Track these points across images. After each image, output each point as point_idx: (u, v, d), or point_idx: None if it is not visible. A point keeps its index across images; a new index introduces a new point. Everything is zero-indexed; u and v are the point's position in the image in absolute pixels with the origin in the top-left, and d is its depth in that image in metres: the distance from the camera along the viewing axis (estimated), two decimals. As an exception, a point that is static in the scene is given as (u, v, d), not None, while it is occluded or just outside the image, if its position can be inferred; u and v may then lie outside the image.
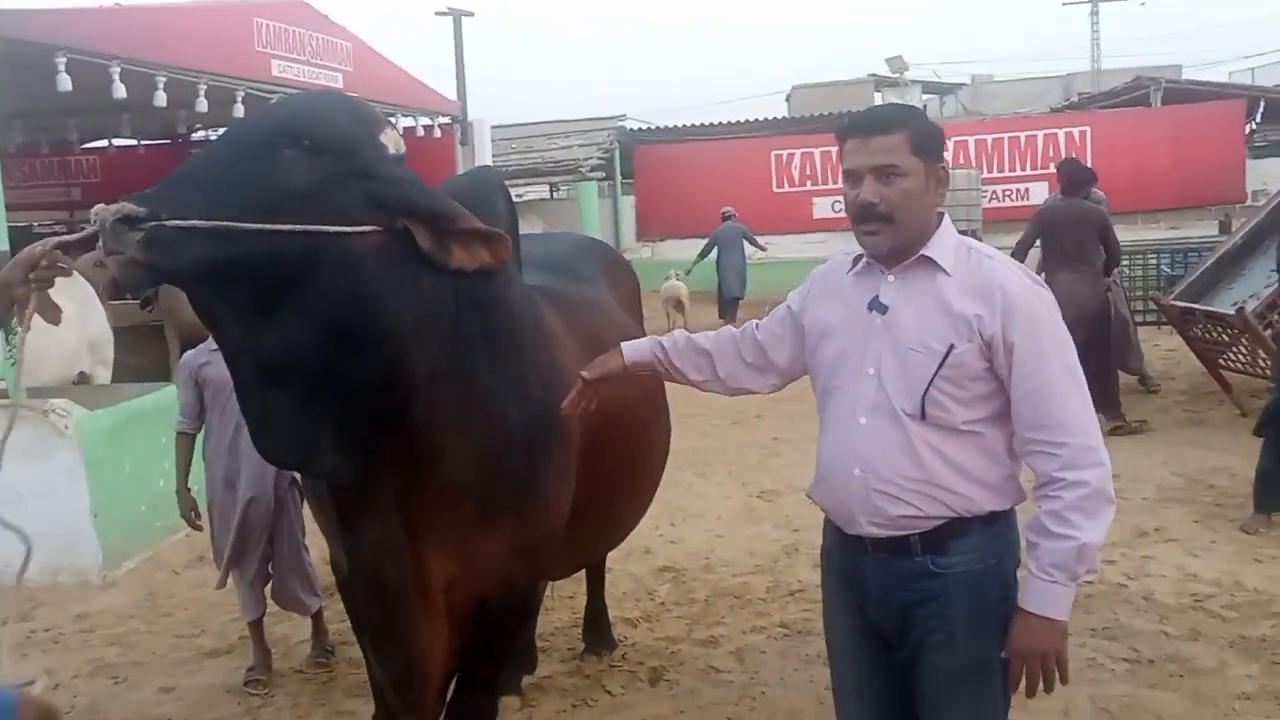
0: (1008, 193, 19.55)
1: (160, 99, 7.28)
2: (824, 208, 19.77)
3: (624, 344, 2.60)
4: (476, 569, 2.57)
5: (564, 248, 3.91)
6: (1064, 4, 37.43)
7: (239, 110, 8.04)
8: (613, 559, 5.39)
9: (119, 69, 6.68)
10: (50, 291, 2.16)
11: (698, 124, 21.60)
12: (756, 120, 22.00)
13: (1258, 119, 21.29)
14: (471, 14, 11.66)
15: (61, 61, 6.28)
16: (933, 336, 2.19)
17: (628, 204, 21.23)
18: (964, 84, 29.75)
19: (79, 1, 7.06)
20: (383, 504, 2.45)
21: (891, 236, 2.23)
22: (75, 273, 7.32)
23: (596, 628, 4.45)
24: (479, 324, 2.44)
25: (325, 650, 4.50)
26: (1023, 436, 2.19)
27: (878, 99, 22.47)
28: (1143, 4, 40.23)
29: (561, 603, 4.85)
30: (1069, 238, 7.84)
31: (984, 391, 2.20)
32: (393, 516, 2.46)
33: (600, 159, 19.09)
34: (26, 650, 4.88)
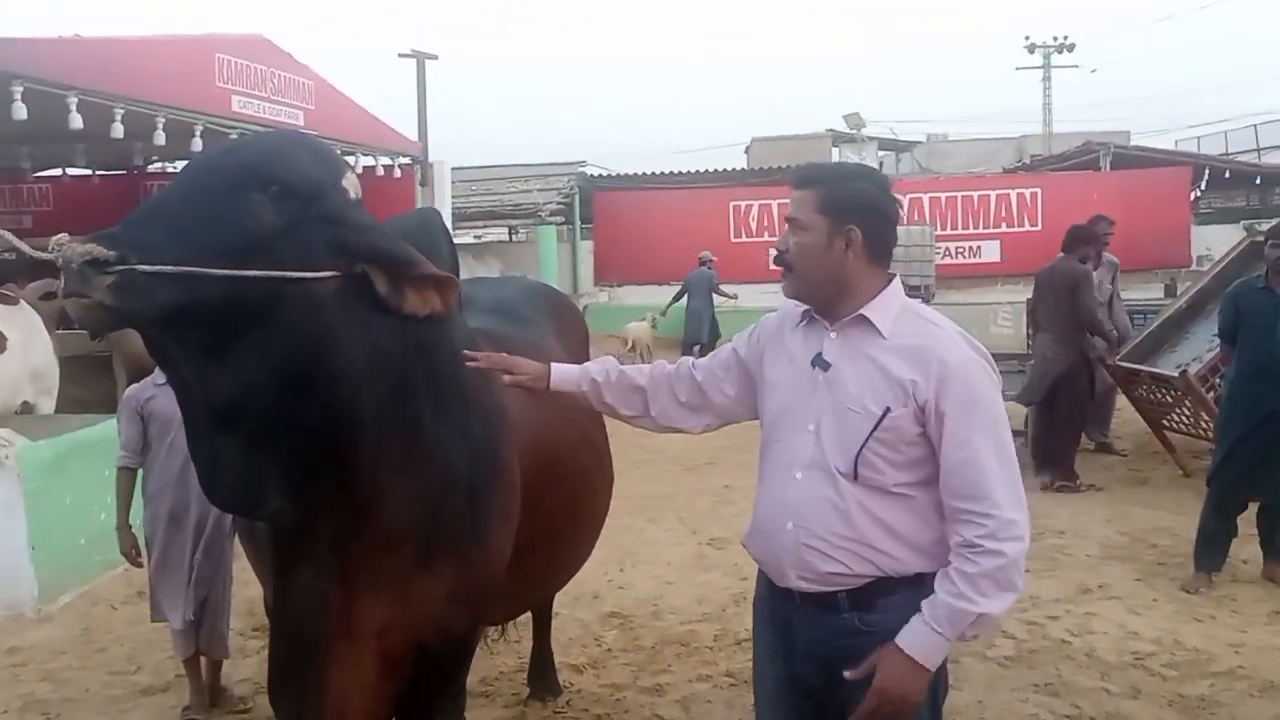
0: (960, 250, 19.88)
1: (118, 130, 7.21)
2: (780, 259, 19.92)
3: (554, 366, 2.60)
4: (414, 614, 2.53)
5: (512, 292, 3.92)
6: (1018, 68, 38.30)
7: (197, 144, 7.99)
8: (560, 604, 5.35)
9: (76, 99, 6.64)
10: None
11: (657, 172, 21.78)
12: (715, 171, 22.22)
13: (1203, 186, 21.87)
14: (435, 57, 11.72)
15: (18, 90, 6.22)
16: (870, 398, 2.23)
17: (586, 249, 21.32)
18: (920, 142, 30.28)
19: (38, 31, 7.03)
20: (318, 548, 2.41)
21: (791, 284, 2.33)
22: (21, 301, 7.22)
23: (541, 673, 4.40)
24: (424, 367, 2.43)
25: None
26: (950, 504, 2.21)
27: (835, 154, 22.83)
28: (1094, 71, 41.30)
29: (508, 647, 4.80)
30: (1046, 298, 7.99)
31: (917, 456, 2.23)
32: (328, 561, 2.42)
33: (560, 204, 19.18)
34: (-46, 686, 4.75)
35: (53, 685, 4.72)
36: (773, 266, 2.42)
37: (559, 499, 3.11)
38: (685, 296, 15.45)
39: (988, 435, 2.18)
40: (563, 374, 2.60)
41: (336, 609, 2.44)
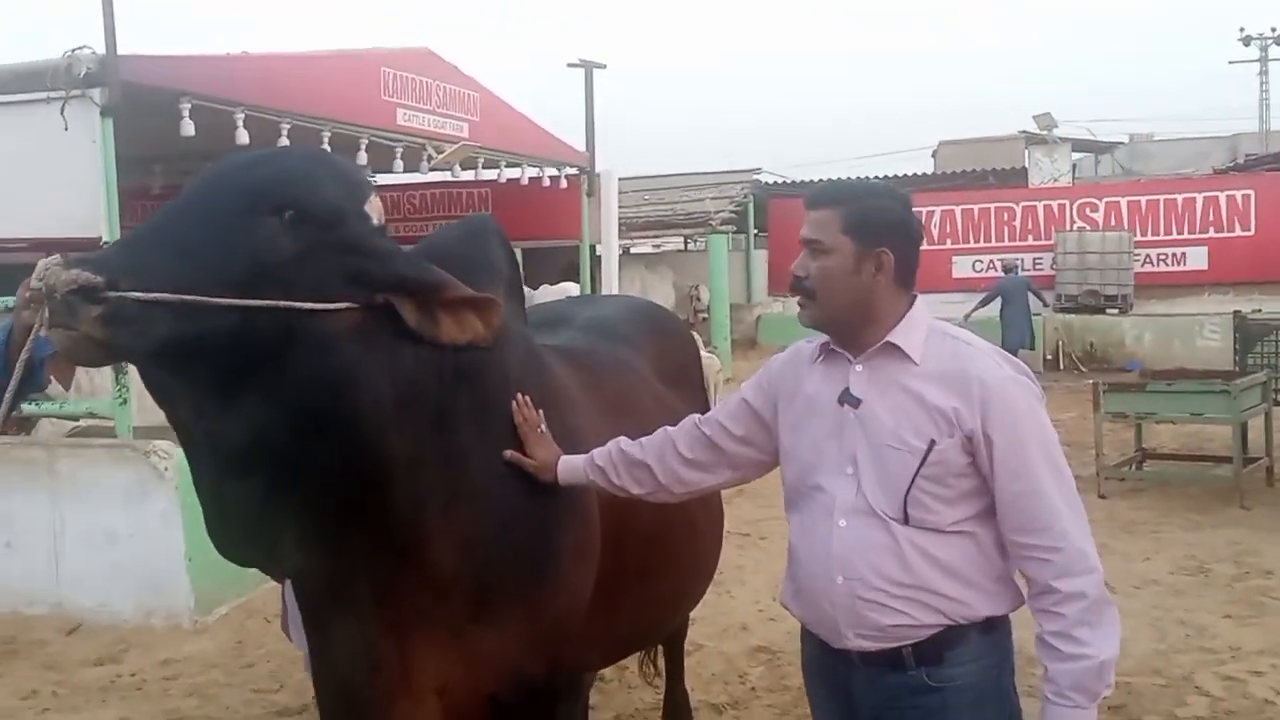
0: (1162, 257, 18.56)
1: (284, 145, 7.37)
2: (964, 266, 19.18)
3: (563, 458, 2.40)
4: (479, 667, 2.30)
5: (612, 310, 3.67)
6: (1231, 62, 35.91)
7: (362, 158, 8.11)
8: (705, 636, 5.09)
9: (243, 115, 6.79)
10: None
11: (836, 178, 21.24)
12: (897, 176, 21.53)
13: None
14: (604, 66, 11.60)
15: (186, 107, 6.40)
16: (911, 432, 2.07)
17: (760, 258, 20.99)
18: (1121, 143, 28.69)
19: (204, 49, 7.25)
20: (357, 601, 2.20)
21: (812, 313, 2.16)
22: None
23: (676, 714, 4.13)
24: (468, 396, 2.21)
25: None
26: (1011, 540, 2.07)
27: (1026, 156, 21.79)
28: (1317, 62, 38.24)
29: (645, 682, 4.56)
30: None
31: (969, 488, 2.07)
32: (372, 614, 2.20)
33: (732, 212, 18.90)
34: (107, 696, 4.84)
35: (198, 701, 4.77)
36: (792, 295, 2.19)
37: (647, 528, 2.79)
38: (996, 303, 15.11)
39: (1041, 460, 2.04)
40: (570, 466, 2.41)
41: (390, 666, 2.23)
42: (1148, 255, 18.43)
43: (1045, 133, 21.29)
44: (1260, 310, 10.32)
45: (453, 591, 2.24)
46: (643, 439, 2.45)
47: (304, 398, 1.89)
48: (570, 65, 11.52)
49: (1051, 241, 18.65)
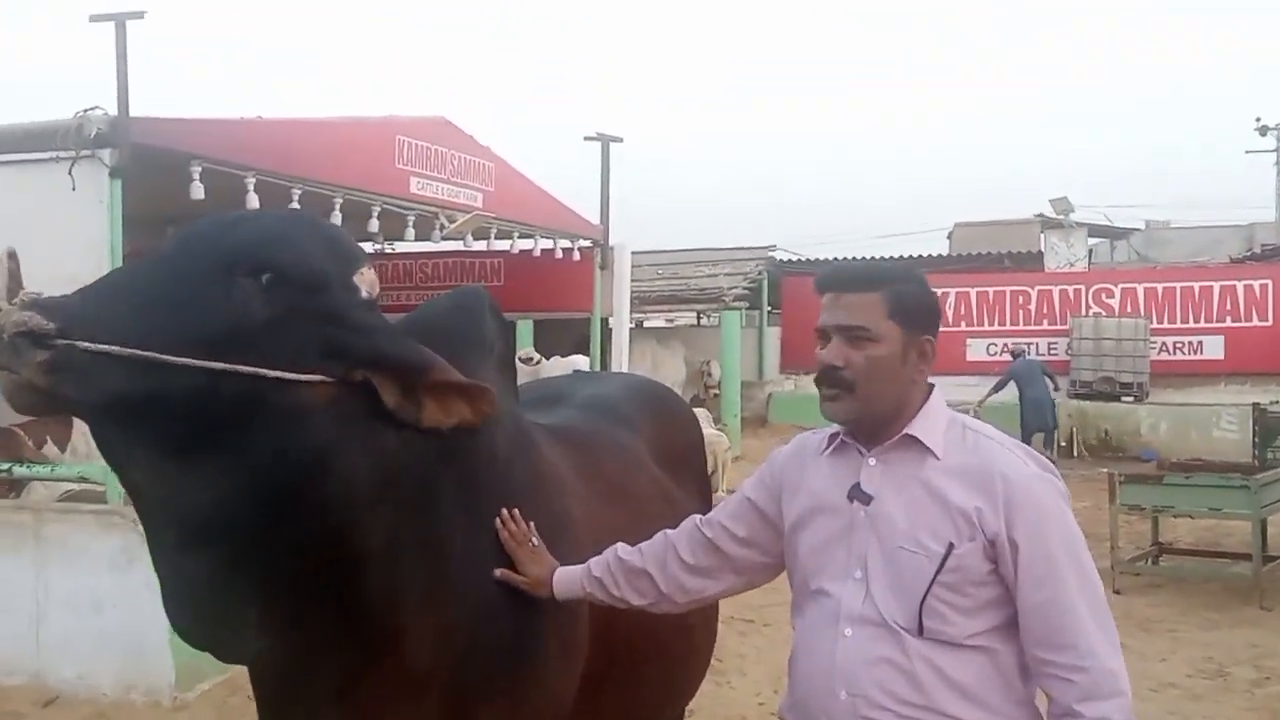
0: (1179, 345, 18.37)
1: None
2: (978, 349, 19.03)
3: (558, 571, 2.24)
4: None
5: (613, 388, 3.52)
6: (1248, 151, 36.02)
7: (374, 225, 8.09)
8: (701, 731, 4.88)
9: (254, 180, 6.76)
10: None
11: (851, 257, 21.24)
12: (913, 256, 21.52)
13: None
14: (620, 139, 11.63)
15: (196, 170, 6.38)
16: (927, 533, 1.91)
17: (773, 335, 20.90)
18: (1137, 229, 28.68)
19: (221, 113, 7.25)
20: (318, 695, 2.04)
21: (850, 406, 1.97)
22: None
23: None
24: (454, 477, 2.08)
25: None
26: (1033, 655, 1.89)
27: (1042, 241, 21.77)
28: (1334, 154, 38.34)
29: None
30: None
31: (989, 598, 1.90)
32: (332, 711, 2.04)
33: (746, 289, 18.86)
34: (79, 775, 4.66)
35: (172, 784, 4.57)
36: (820, 389, 2.02)
37: (638, 624, 2.61)
38: (1010, 388, 15.09)
39: (1069, 568, 1.87)
40: (566, 580, 2.25)
41: None
42: (1164, 343, 18.27)
43: (1062, 217, 21.31)
44: (1277, 403, 10.15)
45: (425, 688, 2.09)
46: (642, 545, 2.29)
47: (268, 472, 1.76)
48: (587, 139, 11.55)
49: (1066, 326, 18.54)
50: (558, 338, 14.02)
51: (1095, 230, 25.60)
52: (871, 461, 1.99)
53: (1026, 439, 13.75)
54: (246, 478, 1.75)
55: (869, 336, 1.94)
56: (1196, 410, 16.27)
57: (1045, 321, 19.04)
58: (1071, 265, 20.42)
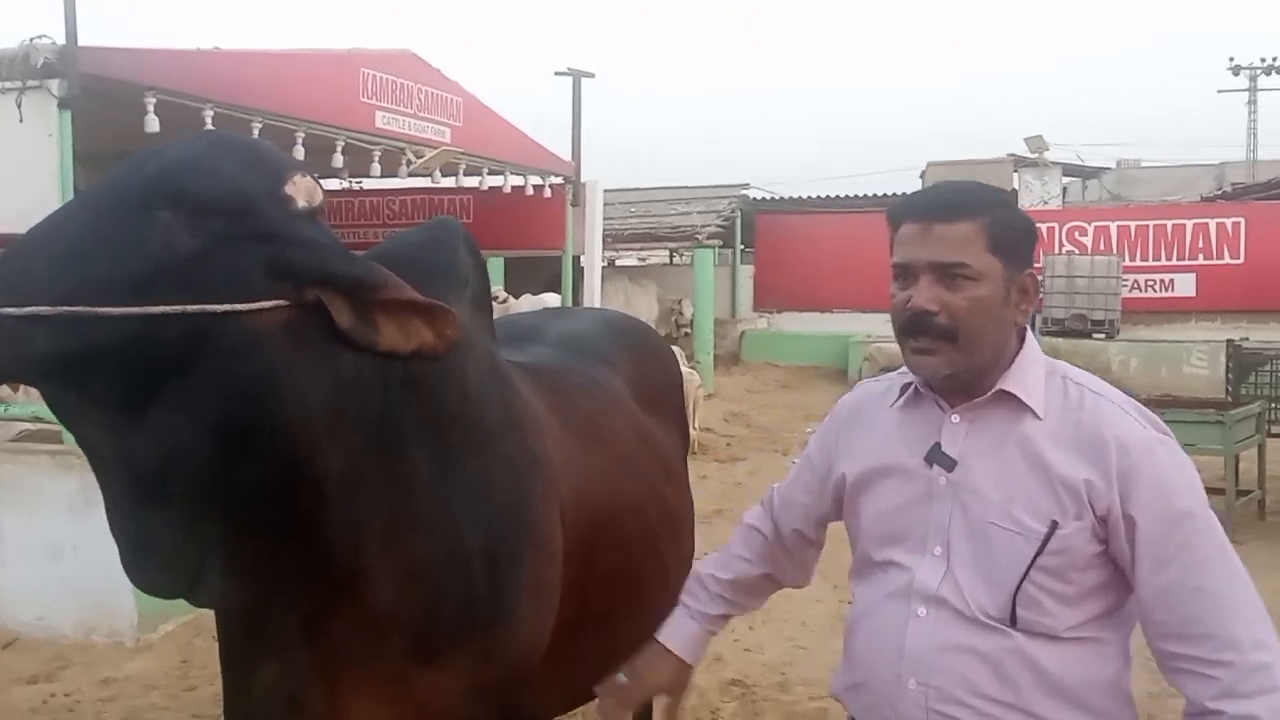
0: (1150, 283, 18.47)
1: (255, 145, 7.11)
2: (951, 288, 19.04)
3: (664, 633, 2.11)
4: (421, 715, 2.04)
5: (586, 324, 3.39)
6: (1220, 91, 35.99)
7: (338, 160, 7.86)
8: (674, 670, 4.83)
9: (212, 112, 6.52)
10: None
11: (823, 195, 21.13)
12: (883, 195, 21.41)
13: None
14: (592, 75, 11.38)
15: (151, 102, 6.14)
16: (1025, 509, 1.63)
17: (746, 273, 20.81)
18: (1109, 168, 28.66)
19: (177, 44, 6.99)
20: (285, 638, 1.95)
21: (951, 359, 1.66)
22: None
23: (640, 754, 3.88)
24: (418, 410, 1.96)
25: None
26: (1162, 648, 1.61)
27: (1015, 179, 21.68)
28: (1306, 92, 38.36)
29: None
30: None
31: (1096, 583, 1.63)
32: (299, 654, 1.96)
33: (719, 227, 18.71)
34: (37, 718, 4.57)
35: (134, 725, 4.50)
36: (905, 340, 1.71)
37: (615, 567, 2.55)
38: None
39: (1201, 545, 1.59)
40: (692, 644, 2.09)
41: (315, 712, 1.98)
42: (1135, 281, 18.35)
43: (1037, 155, 21.21)
44: (1248, 339, 10.15)
45: (392, 630, 1.99)
46: (733, 550, 2.13)
47: (224, 408, 1.65)
48: (558, 74, 11.32)
49: (1039, 265, 18.53)
50: (528, 276, 13.87)
51: (1068, 170, 25.57)
52: (955, 419, 1.72)
53: None
54: (200, 417, 1.64)
55: (969, 274, 1.64)
56: (1167, 346, 16.36)
57: (1018, 259, 19.03)
58: (1045, 203, 20.39)
